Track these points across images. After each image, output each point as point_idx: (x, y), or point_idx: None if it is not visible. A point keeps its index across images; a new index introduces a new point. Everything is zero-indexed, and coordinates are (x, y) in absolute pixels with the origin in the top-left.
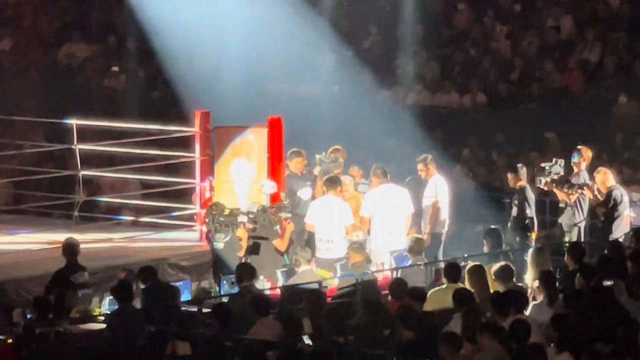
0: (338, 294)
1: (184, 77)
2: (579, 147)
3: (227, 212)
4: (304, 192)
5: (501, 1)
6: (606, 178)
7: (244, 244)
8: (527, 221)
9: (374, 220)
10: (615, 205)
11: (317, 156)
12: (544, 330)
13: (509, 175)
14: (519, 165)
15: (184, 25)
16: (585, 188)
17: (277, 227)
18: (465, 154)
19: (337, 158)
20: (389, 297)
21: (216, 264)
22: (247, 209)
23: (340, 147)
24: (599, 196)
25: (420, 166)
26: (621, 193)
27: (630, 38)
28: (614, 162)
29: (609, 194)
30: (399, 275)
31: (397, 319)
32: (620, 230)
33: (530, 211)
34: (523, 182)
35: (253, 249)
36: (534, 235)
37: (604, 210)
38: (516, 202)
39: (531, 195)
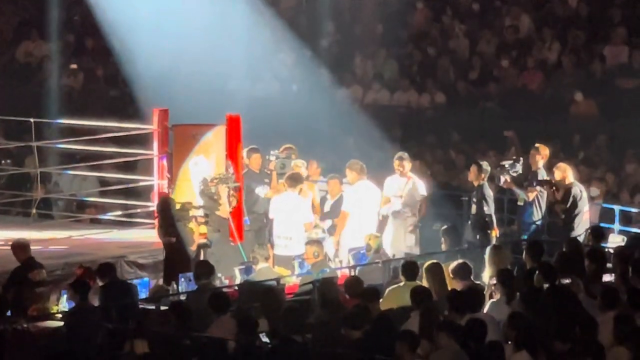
0: (298, 291)
1: (143, 75)
2: (536, 145)
3: (178, 206)
4: (262, 190)
5: (460, 0)
6: (566, 175)
7: (197, 238)
8: (486, 219)
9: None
10: (575, 202)
11: (272, 152)
12: (501, 328)
13: (472, 169)
14: (484, 162)
15: (142, 23)
16: (544, 185)
17: (221, 198)
18: (423, 153)
19: (290, 155)
20: (347, 296)
21: (168, 260)
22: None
23: (292, 146)
24: (557, 193)
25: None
26: (580, 189)
27: (588, 37)
28: (571, 161)
29: (568, 191)
30: (356, 273)
31: (345, 320)
32: (582, 227)
33: (489, 209)
34: (482, 180)
35: (205, 243)
36: (494, 233)
37: (564, 207)
38: (475, 199)
39: (489, 193)
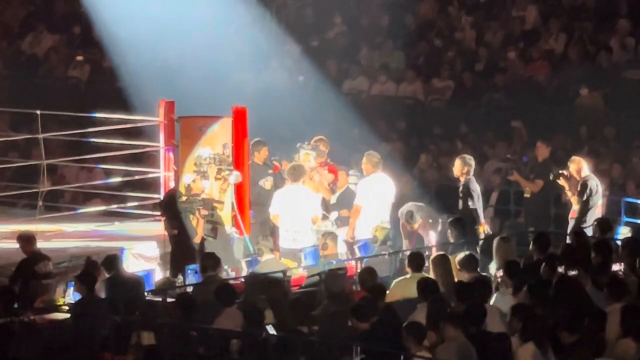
0: (305, 283)
1: (149, 66)
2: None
3: (183, 198)
4: (266, 182)
5: None
6: (581, 167)
7: (200, 231)
8: (473, 214)
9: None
10: (591, 196)
11: (298, 144)
12: (508, 320)
13: (456, 163)
14: (466, 156)
15: (148, 14)
16: (561, 178)
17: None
18: (429, 145)
19: (318, 146)
20: (354, 287)
21: (174, 252)
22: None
23: (324, 137)
24: (571, 186)
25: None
26: (596, 183)
27: (594, 28)
28: (578, 153)
29: (584, 184)
30: (363, 265)
31: (353, 311)
32: (593, 220)
33: (474, 203)
34: (467, 174)
35: (211, 233)
36: (481, 228)
37: (580, 200)
38: (460, 194)
39: (475, 187)
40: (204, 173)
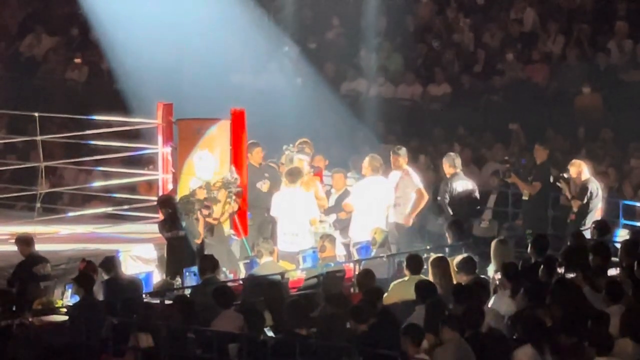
0: (303, 285)
1: (147, 69)
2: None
3: (182, 200)
4: (263, 184)
5: None
6: (581, 170)
7: (202, 230)
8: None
9: (357, 210)
10: (591, 199)
11: (284, 147)
12: (505, 322)
13: (445, 163)
14: (451, 154)
15: (146, 16)
16: (561, 181)
17: (217, 203)
18: (427, 146)
19: (304, 148)
20: (352, 289)
21: (172, 254)
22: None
23: (308, 140)
24: (570, 189)
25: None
26: (597, 186)
27: (592, 31)
28: (575, 155)
29: (584, 187)
30: (361, 267)
31: (351, 313)
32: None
33: (443, 200)
34: (452, 172)
35: (207, 233)
36: None
37: (579, 203)
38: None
39: (445, 188)
40: (214, 199)
